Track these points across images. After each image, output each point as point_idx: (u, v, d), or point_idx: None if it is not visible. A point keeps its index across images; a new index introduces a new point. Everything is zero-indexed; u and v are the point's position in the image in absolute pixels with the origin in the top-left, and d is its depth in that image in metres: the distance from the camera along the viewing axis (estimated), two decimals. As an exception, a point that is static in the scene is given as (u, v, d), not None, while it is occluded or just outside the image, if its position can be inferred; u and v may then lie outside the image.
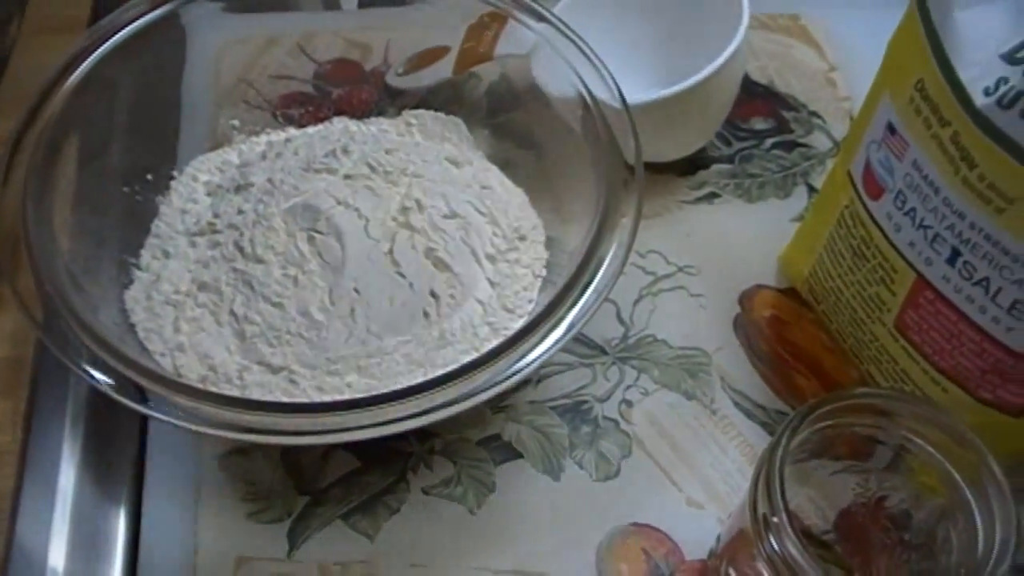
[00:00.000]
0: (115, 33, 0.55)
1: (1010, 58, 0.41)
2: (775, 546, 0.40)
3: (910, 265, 0.49)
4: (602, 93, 0.53)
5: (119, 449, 0.55)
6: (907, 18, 0.47)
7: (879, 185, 0.50)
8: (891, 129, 0.48)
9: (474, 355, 0.49)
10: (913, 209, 0.47)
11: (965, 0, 0.43)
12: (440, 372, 0.44)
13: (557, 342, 0.45)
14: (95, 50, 0.54)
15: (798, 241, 0.61)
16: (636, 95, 0.56)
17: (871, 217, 0.51)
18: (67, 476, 0.54)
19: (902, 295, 0.50)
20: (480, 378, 0.44)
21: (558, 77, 0.56)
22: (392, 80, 0.65)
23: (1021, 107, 0.40)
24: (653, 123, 0.56)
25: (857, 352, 0.57)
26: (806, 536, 0.41)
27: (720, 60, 0.57)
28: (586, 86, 0.53)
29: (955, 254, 0.46)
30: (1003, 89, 0.40)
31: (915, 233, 0.48)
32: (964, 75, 0.42)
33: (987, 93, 0.41)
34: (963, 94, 0.42)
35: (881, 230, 0.50)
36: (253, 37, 0.66)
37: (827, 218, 0.55)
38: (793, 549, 0.39)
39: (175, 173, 0.59)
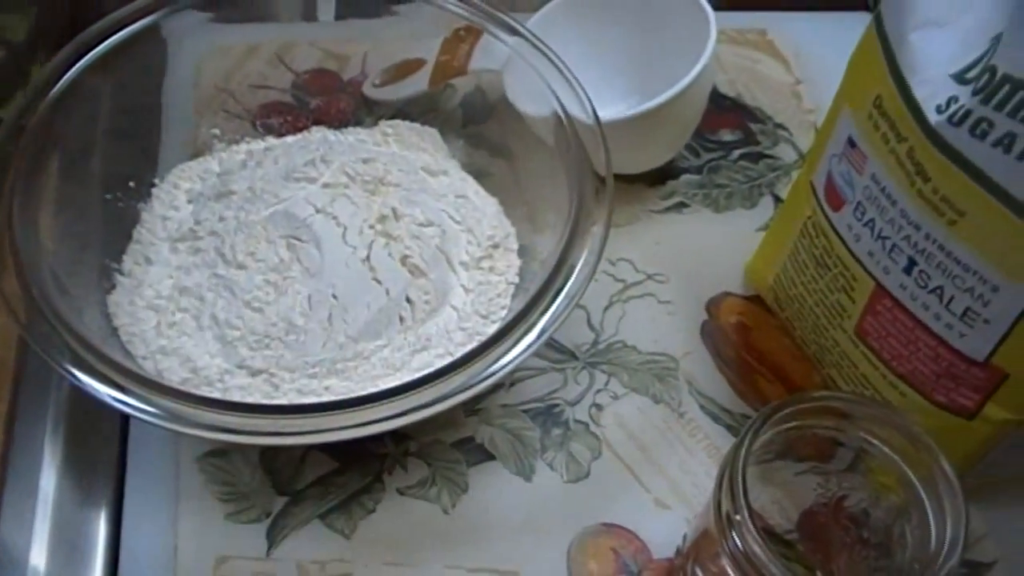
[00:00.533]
0: (98, 43, 0.56)
1: (960, 78, 0.42)
2: (738, 543, 0.42)
3: (869, 274, 0.50)
4: (575, 109, 0.55)
5: (100, 451, 0.56)
6: (866, 37, 0.49)
7: (840, 197, 0.51)
8: (851, 143, 0.49)
9: (449, 359, 0.50)
10: (872, 220, 0.49)
11: (918, 22, 0.44)
12: (416, 376, 0.46)
13: (529, 346, 0.46)
14: (78, 60, 0.55)
15: (763, 250, 0.62)
16: (607, 110, 0.57)
17: (832, 228, 0.52)
18: (48, 477, 0.54)
19: (862, 303, 0.52)
20: (455, 381, 0.45)
21: (531, 92, 0.57)
22: (369, 91, 0.67)
23: (970, 124, 0.42)
24: (624, 138, 0.58)
25: (820, 357, 0.58)
26: (769, 535, 0.42)
27: (689, 77, 0.59)
28: (560, 102, 0.55)
29: (911, 263, 0.47)
30: (953, 107, 0.42)
31: (874, 243, 0.49)
32: (918, 93, 0.44)
33: (939, 111, 0.43)
34: (917, 111, 0.44)
35: (842, 240, 0.52)
36: (232, 47, 0.67)
37: (791, 228, 0.57)
38: (755, 546, 0.41)
39: (156, 181, 0.60)
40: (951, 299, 0.46)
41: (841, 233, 0.52)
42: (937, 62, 0.44)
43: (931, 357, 0.49)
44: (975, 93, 0.42)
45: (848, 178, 0.50)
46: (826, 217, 0.53)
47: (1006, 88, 0.40)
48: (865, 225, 0.50)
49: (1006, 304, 0.44)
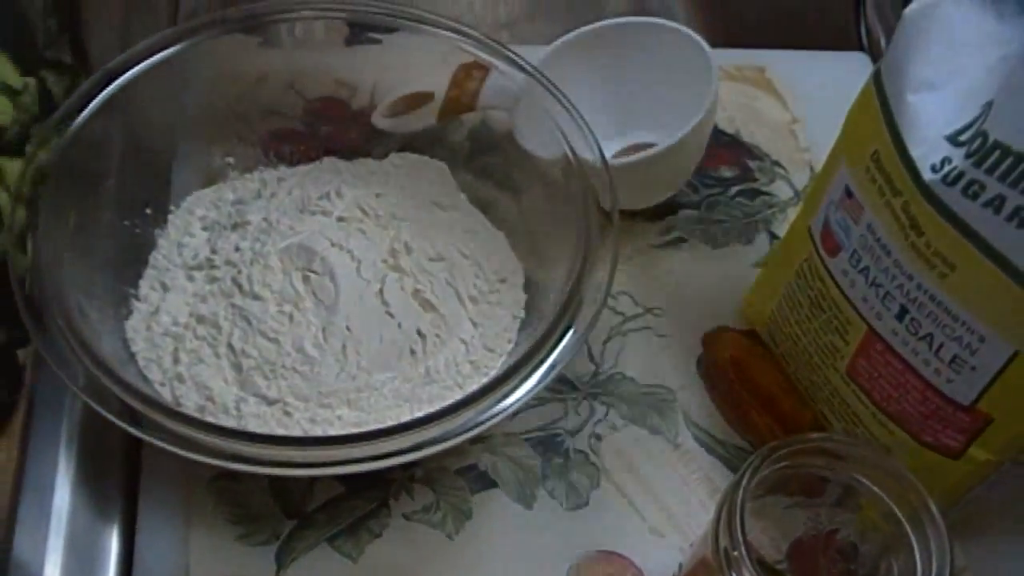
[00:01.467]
0: (120, 76, 0.57)
1: (954, 140, 0.44)
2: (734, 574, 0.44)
3: (862, 318, 0.52)
4: (584, 151, 0.56)
5: (113, 470, 0.57)
6: (864, 94, 0.50)
7: (836, 243, 0.53)
8: (848, 193, 0.51)
9: (457, 391, 0.52)
10: (867, 268, 0.51)
11: (916, 84, 0.46)
12: (427, 408, 0.47)
13: (538, 384, 0.48)
14: (99, 93, 0.56)
15: (760, 286, 0.64)
16: (610, 146, 0.59)
17: (828, 271, 0.54)
18: (62, 495, 0.55)
19: (854, 345, 0.53)
20: (465, 416, 0.47)
21: (540, 132, 0.58)
22: (377, 121, 0.67)
23: (962, 185, 0.43)
24: (629, 178, 0.60)
25: (812, 393, 0.60)
26: (760, 565, 0.44)
27: (694, 121, 0.60)
28: (569, 143, 0.56)
29: (903, 311, 0.49)
30: (947, 168, 0.44)
31: (868, 290, 0.51)
32: (914, 152, 0.46)
33: (934, 170, 0.45)
34: (913, 169, 0.46)
35: (837, 284, 0.53)
36: (244, 74, 0.69)
37: (787, 268, 0.58)
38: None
39: (172, 207, 0.61)
40: (940, 346, 0.48)
41: (836, 277, 0.53)
42: (932, 123, 0.45)
43: (919, 400, 0.51)
44: (968, 156, 0.43)
45: (844, 226, 0.52)
46: (822, 261, 0.54)
47: (996, 153, 0.42)
48: (860, 272, 0.51)
49: (992, 354, 0.46)
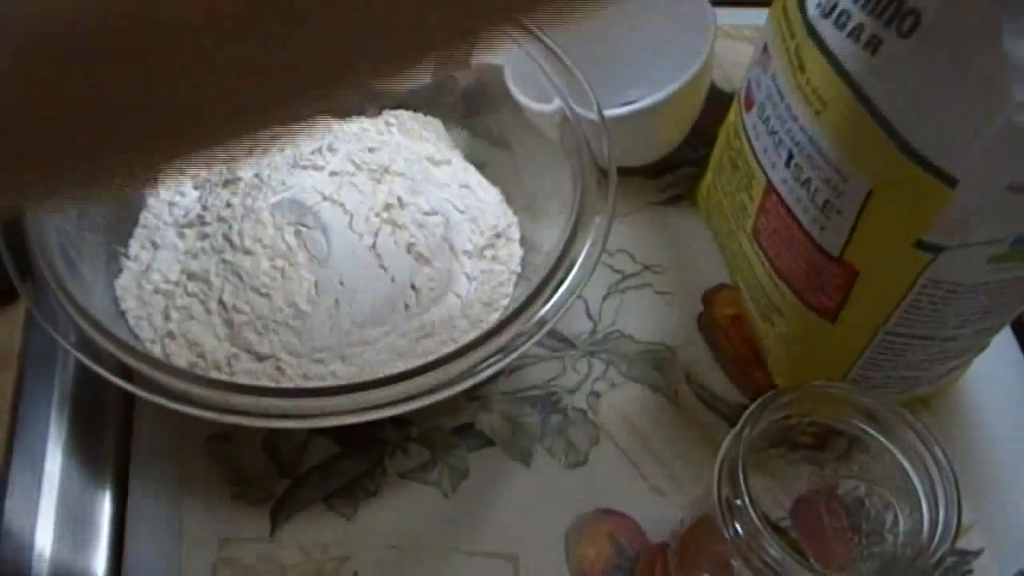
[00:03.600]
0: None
1: None
2: (739, 528, 0.43)
3: (763, 170, 0.54)
4: (580, 104, 0.55)
5: (105, 433, 0.56)
6: None
7: (751, 98, 0.55)
8: (764, 48, 0.53)
9: (452, 346, 0.51)
10: (768, 117, 0.53)
11: None
12: (420, 362, 0.46)
13: (531, 336, 0.47)
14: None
15: (708, 168, 0.65)
16: (608, 103, 0.58)
17: (744, 129, 0.56)
18: (54, 458, 0.55)
19: (757, 200, 0.55)
20: (458, 368, 0.46)
21: (535, 86, 0.58)
22: (370, 80, 0.67)
23: (835, 16, 0.46)
24: (624, 132, 0.59)
25: (733, 267, 0.62)
26: (764, 520, 0.43)
27: (690, 72, 0.60)
28: (564, 97, 0.56)
29: (790, 157, 0.51)
30: (826, 1, 0.47)
31: (768, 139, 0.53)
32: None
33: (818, 5, 0.47)
34: (803, 7, 0.48)
35: (748, 139, 0.55)
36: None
37: (723, 138, 0.61)
38: (757, 530, 0.42)
39: (162, 166, 0.61)
40: (816, 191, 0.49)
41: (748, 132, 0.56)
42: None
43: (802, 253, 0.52)
44: None
45: (758, 80, 0.54)
46: (741, 119, 0.57)
47: None
48: (763, 122, 0.53)
49: (853, 193, 0.47)
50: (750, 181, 0.56)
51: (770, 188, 0.53)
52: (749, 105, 0.56)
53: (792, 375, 0.58)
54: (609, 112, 0.56)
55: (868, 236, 0.48)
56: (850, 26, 0.45)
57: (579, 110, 0.55)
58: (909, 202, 0.45)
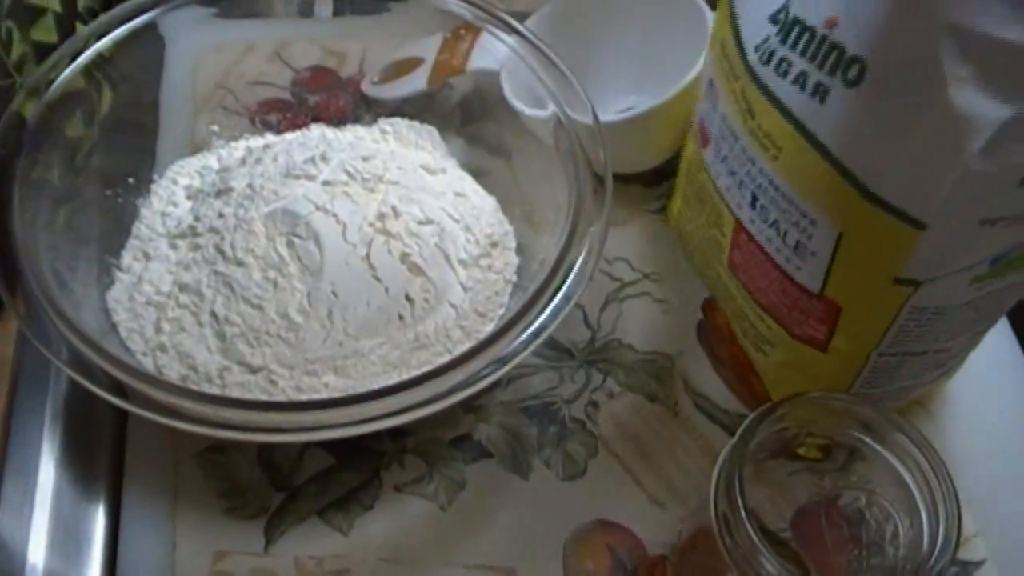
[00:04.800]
0: (96, 41, 0.56)
1: (773, 19, 0.44)
2: (735, 540, 0.42)
3: (729, 209, 0.52)
4: (575, 110, 0.55)
5: (98, 445, 0.56)
6: None
7: (706, 134, 0.53)
8: (711, 83, 0.52)
9: (447, 357, 0.51)
10: (726, 156, 0.51)
11: None
12: (415, 373, 0.46)
13: (528, 346, 0.47)
14: (77, 56, 0.55)
15: (677, 191, 0.64)
16: (605, 109, 0.58)
17: (704, 163, 0.55)
18: (47, 472, 0.54)
19: (729, 236, 0.54)
20: (453, 379, 0.45)
21: (530, 92, 0.57)
22: (367, 89, 0.67)
23: (775, 63, 0.44)
24: (621, 139, 0.58)
25: (715, 291, 0.60)
26: (764, 534, 0.43)
27: (688, 78, 0.59)
28: (559, 103, 0.55)
29: (754, 198, 0.49)
30: (764, 47, 0.45)
31: (729, 178, 0.51)
32: (745, 34, 0.46)
33: (756, 50, 0.45)
34: (743, 50, 0.46)
35: (710, 176, 0.54)
36: (230, 44, 0.68)
37: (685, 166, 0.60)
38: (753, 544, 0.41)
39: (155, 177, 0.61)
40: (786, 233, 0.48)
41: (709, 169, 0.54)
42: (760, 4, 0.46)
43: (781, 290, 0.51)
44: (778, 33, 0.44)
45: (710, 116, 0.53)
46: (700, 154, 0.55)
47: (796, 29, 0.43)
48: (722, 161, 0.52)
49: (823, 237, 0.46)
50: (719, 217, 0.54)
51: (739, 227, 0.52)
52: (706, 141, 0.54)
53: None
54: (605, 118, 0.55)
55: (845, 275, 0.46)
56: (792, 74, 0.43)
57: (574, 116, 0.55)
58: (881, 244, 0.44)
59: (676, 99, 0.59)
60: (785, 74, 0.43)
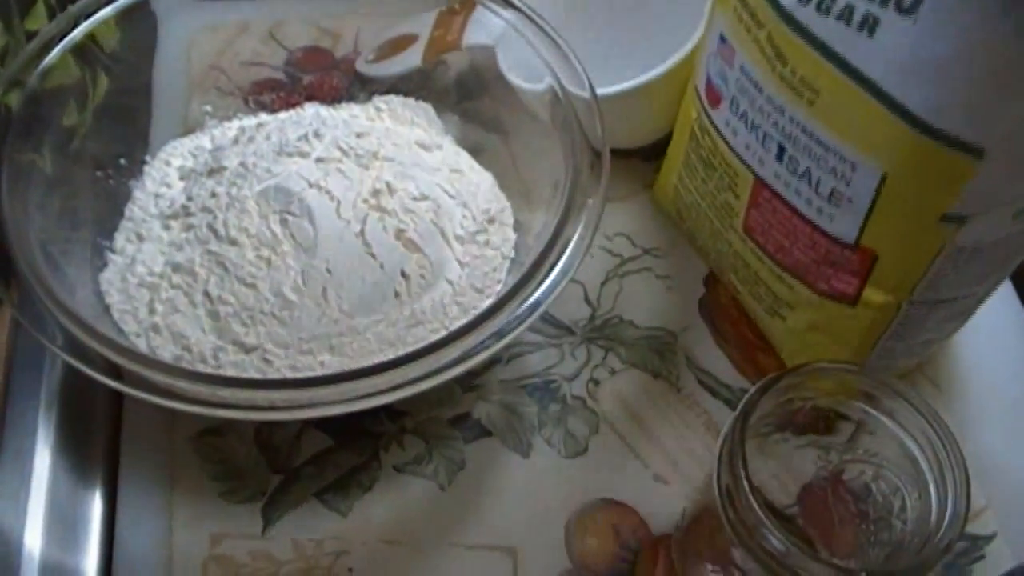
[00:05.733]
0: (87, 18, 0.56)
1: None
2: (739, 515, 0.41)
3: (748, 167, 0.52)
4: (571, 82, 0.54)
5: (94, 431, 0.56)
6: None
7: (717, 94, 0.52)
8: (722, 39, 0.51)
9: (444, 333, 0.50)
10: (744, 112, 0.50)
11: None
12: (411, 349, 0.45)
13: (524, 320, 0.46)
14: (67, 35, 0.55)
15: (667, 164, 0.63)
16: (602, 83, 0.57)
17: (713, 126, 0.54)
18: (42, 458, 0.54)
19: (745, 198, 0.53)
20: (449, 354, 0.44)
21: (526, 65, 0.56)
22: (362, 67, 0.66)
23: (816, 2, 0.43)
24: (618, 112, 0.57)
25: (719, 264, 0.60)
26: (770, 510, 0.42)
27: (684, 50, 0.58)
28: (556, 75, 0.54)
29: (781, 150, 0.48)
30: None
31: (748, 135, 0.50)
32: None
33: None
34: None
35: (722, 137, 0.53)
36: (224, 24, 0.67)
37: (683, 135, 0.58)
38: (756, 518, 0.40)
39: (148, 158, 0.60)
40: (818, 182, 0.47)
41: (721, 130, 0.53)
42: None
43: (809, 245, 0.50)
44: None
45: (722, 74, 0.51)
46: (708, 116, 0.54)
47: None
48: (740, 118, 0.51)
49: (864, 181, 0.45)
50: (733, 179, 0.53)
51: (759, 184, 0.51)
52: (716, 101, 0.53)
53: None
54: (602, 91, 0.55)
55: (886, 220, 0.46)
56: (836, 10, 0.42)
57: (570, 88, 0.54)
58: (931, 180, 0.43)
59: (675, 70, 0.58)
60: (828, 10, 0.43)
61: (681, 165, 0.59)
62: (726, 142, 0.53)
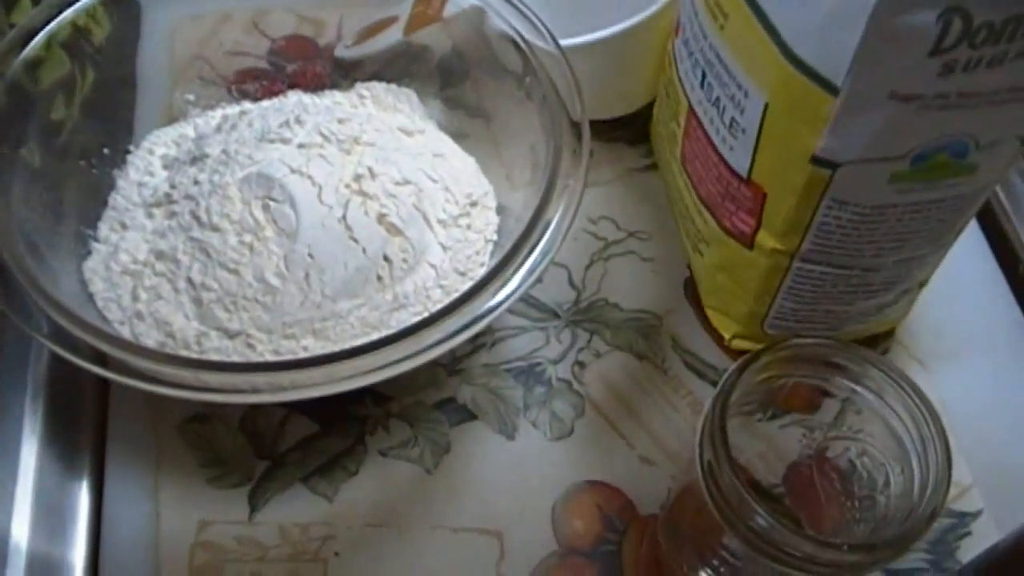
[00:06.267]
0: (69, 6, 0.55)
1: None
2: (721, 491, 0.41)
3: (685, 95, 0.53)
4: (537, 39, 0.55)
5: (80, 420, 0.56)
6: None
7: (680, 23, 0.54)
8: None
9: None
10: (688, 39, 0.52)
11: None
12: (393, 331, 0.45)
13: (505, 301, 0.46)
14: (49, 23, 0.55)
15: (657, 104, 0.64)
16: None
17: (674, 55, 0.55)
18: (29, 448, 0.54)
19: (683, 127, 0.54)
20: (431, 336, 0.45)
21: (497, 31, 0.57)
22: (341, 52, 0.66)
23: None
24: (593, 68, 0.57)
25: (671, 199, 0.61)
26: (756, 490, 0.42)
27: (654, 7, 0.58)
28: (519, 33, 0.55)
29: (703, 77, 0.50)
30: None
31: (688, 61, 0.52)
32: None
33: None
34: None
35: (676, 66, 0.55)
36: (207, 14, 0.67)
37: (664, 71, 0.60)
38: (737, 493, 0.40)
39: (131, 147, 0.60)
40: (724, 109, 0.48)
41: (676, 58, 0.55)
42: None
43: (717, 176, 0.51)
44: None
45: (684, 2, 0.52)
46: (673, 45, 0.56)
47: None
48: (684, 44, 0.53)
49: (753, 110, 0.45)
50: (677, 107, 0.55)
51: (691, 113, 0.52)
52: (678, 30, 0.54)
53: (720, 306, 0.57)
54: (571, 40, 0.55)
55: (769, 154, 0.47)
56: None
57: (537, 44, 0.55)
58: (798, 114, 0.43)
59: (650, 23, 0.58)
60: None
61: (657, 99, 0.61)
62: (676, 70, 0.54)
